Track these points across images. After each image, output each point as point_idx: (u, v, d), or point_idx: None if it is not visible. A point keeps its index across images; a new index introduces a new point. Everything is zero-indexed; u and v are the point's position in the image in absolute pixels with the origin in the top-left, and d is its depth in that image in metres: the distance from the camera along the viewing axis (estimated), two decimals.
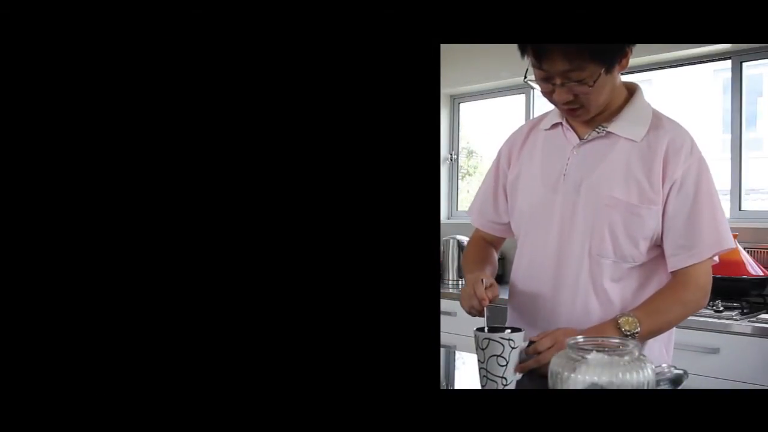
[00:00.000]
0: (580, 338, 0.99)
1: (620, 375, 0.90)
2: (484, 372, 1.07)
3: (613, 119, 1.21)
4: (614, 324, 1.12)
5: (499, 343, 1.05)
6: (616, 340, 1.00)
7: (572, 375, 0.92)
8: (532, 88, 1.24)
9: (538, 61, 1.11)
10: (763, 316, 2.12)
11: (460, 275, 3.18)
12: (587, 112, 1.17)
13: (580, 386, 0.91)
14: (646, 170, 1.17)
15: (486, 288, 1.17)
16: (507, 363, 1.05)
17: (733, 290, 2.23)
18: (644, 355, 0.95)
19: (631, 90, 1.24)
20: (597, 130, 1.22)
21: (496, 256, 1.43)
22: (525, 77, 1.19)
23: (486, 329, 1.09)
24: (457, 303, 2.76)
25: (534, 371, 1.11)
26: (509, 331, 1.08)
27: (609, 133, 1.21)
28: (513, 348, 1.05)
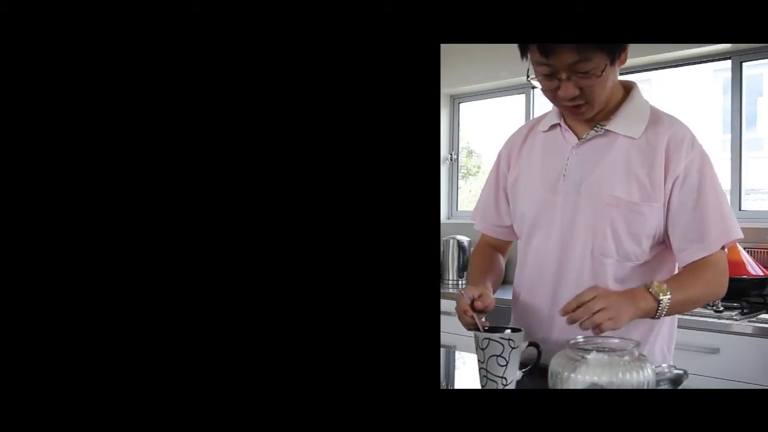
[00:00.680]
0: (580, 338, 1.00)
1: (620, 375, 0.90)
2: (484, 372, 1.07)
3: (611, 117, 1.21)
4: (646, 290, 1.09)
5: (499, 343, 1.05)
6: (617, 341, 1.00)
7: (572, 375, 0.92)
8: (533, 88, 1.24)
9: (545, 56, 1.10)
10: (763, 316, 2.12)
11: (460, 275, 3.18)
12: (591, 108, 1.17)
13: (580, 386, 0.91)
14: (647, 167, 1.17)
15: (476, 299, 1.17)
16: (507, 363, 1.05)
17: (733, 290, 2.21)
18: (644, 355, 0.95)
19: (628, 88, 1.24)
20: (595, 129, 1.22)
21: (502, 261, 1.43)
22: (528, 76, 1.19)
23: (486, 329, 1.09)
24: None
25: (534, 371, 1.11)
26: (509, 331, 1.08)
27: (607, 131, 1.21)
28: (513, 348, 1.05)
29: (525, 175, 1.30)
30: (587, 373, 0.91)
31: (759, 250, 2.45)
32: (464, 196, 3.78)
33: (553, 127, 1.28)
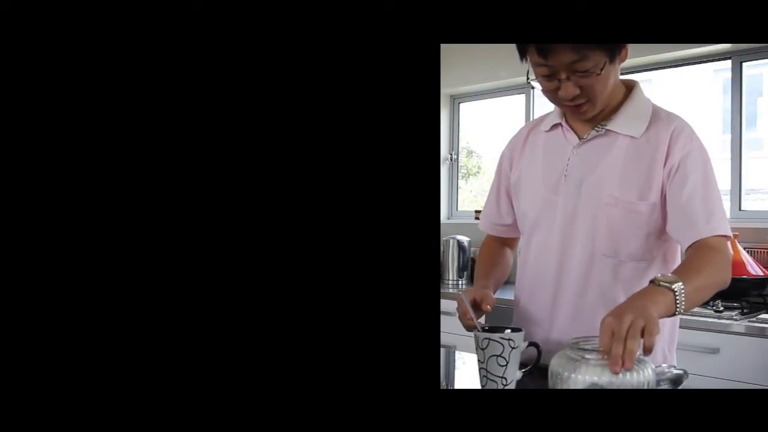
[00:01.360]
0: (580, 338, 0.99)
1: (620, 375, 0.90)
2: (484, 372, 1.07)
3: (612, 117, 1.21)
4: (656, 286, 1.01)
5: (499, 343, 1.05)
6: None
7: (572, 375, 0.92)
8: (532, 88, 1.25)
9: (543, 57, 1.10)
10: (763, 316, 2.12)
11: (460, 275, 3.18)
12: (593, 106, 1.16)
13: (580, 386, 0.91)
14: (647, 166, 1.17)
15: (478, 301, 1.18)
16: (507, 363, 1.05)
17: (733, 290, 2.21)
18: (644, 355, 0.95)
19: (630, 87, 1.24)
20: (596, 128, 1.22)
21: (509, 254, 1.44)
22: (528, 78, 1.19)
23: (486, 329, 1.09)
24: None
25: (534, 371, 1.11)
26: (509, 331, 1.08)
27: (608, 131, 1.21)
28: (513, 348, 1.05)
29: (527, 175, 1.31)
30: (587, 373, 0.91)
31: (759, 250, 2.45)
32: (464, 196, 3.78)
33: (554, 127, 1.29)
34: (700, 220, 1.13)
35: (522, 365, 1.09)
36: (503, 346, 1.05)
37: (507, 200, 1.38)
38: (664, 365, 1.07)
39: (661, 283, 1.01)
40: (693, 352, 2.03)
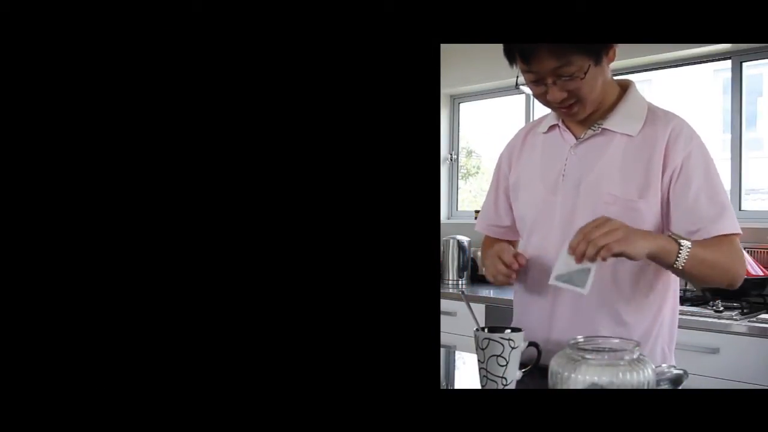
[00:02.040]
0: (580, 338, 1.00)
1: (620, 375, 0.90)
2: (484, 372, 1.07)
3: (607, 116, 1.22)
4: (666, 234, 1.10)
5: (499, 343, 1.05)
6: (617, 341, 1.00)
7: (572, 375, 0.92)
8: (525, 93, 1.26)
9: (527, 64, 1.13)
10: (763, 316, 2.12)
11: (460, 275, 3.18)
12: (583, 108, 1.18)
13: (580, 386, 0.91)
14: (644, 164, 1.17)
15: (514, 255, 1.19)
16: (507, 363, 1.05)
17: (733, 290, 2.22)
18: (644, 356, 0.95)
19: (624, 87, 1.25)
20: (592, 128, 1.23)
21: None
22: (516, 84, 1.21)
23: (486, 329, 1.09)
24: (457, 303, 2.77)
25: (534, 371, 1.11)
26: (509, 331, 1.08)
27: (604, 129, 1.22)
28: (513, 348, 1.05)
29: (525, 177, 1.31)
30: (587, 373, 0.91)
31: (759, 250, 2.45)
32: (464, 196, 3.78)
33: (552, 128, 1.30)
34: (708, 221, 1.14)
35: (522, 365, 1.09)
36: (503, 346, 1.05)
37: (505, 202, 1.38)
38: (664, 365, 1.07)
39: (671, 234, 1.08)
40: (693, 352, 2.03)
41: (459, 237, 3.20)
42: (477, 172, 3.88)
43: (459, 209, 3.69)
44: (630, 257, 1.05)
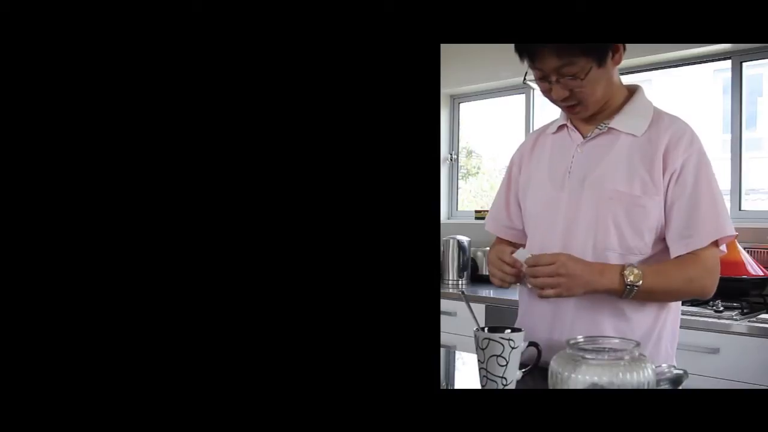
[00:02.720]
0: (580, 338, 1.00)
1: (620, 375, 0.90)
2: (484, 372, 1.07)
3: (614, 116, 1.25)
4: (619, 270, 1.15)
5: (499, 343, 1.05)
6: (617, 341, 1.01)
7: (572, 375, 0.92)
8: (532, 89, 1.29)
9: (532, 61, 1.17)
10: (763, 316, 2.12)
11: (460, 275, 3.18)
12: (585, 108, 1.22)
13: (580, 386, 0.91)
14: (648, 163, 1.19)
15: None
16: (507, 363, 1.05)
17: (733, 290, 2.22)
18: (644, 355, 0.95)
19: (632, 90, 1.28)
20: (599, 127, 1.26)
21: None
22: (524, 79, 1.24)
23: (486, 329, 1.09)
24: (457, 303, 2.77)
25: (534, 371, 1.11)
26: (509, 331, 1.08)
27: (611, 129, 1.25)
28: (513, 348, 1.05)
29: (535, 177, 1.34)
30: (587, 373, 0.91)
31: (759, 250, 2.45)
32: (464, 196, 3.78)
33: (560, 128, 1.33)
34: (701, 228, 1.16)
35: (522, 365, 1.09)
36: (503, 346, 1.05)
37: (517, 205, 1.41)
38: (664, 365, 1.07)
39: (623, 272, 1.14)
40: (693, 352, 2.03)
41: (459, 237, 3.20)
42: (477, 173, 3.87)
43: (459, 209, 3.69)
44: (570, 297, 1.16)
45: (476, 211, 3.49)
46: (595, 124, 1.26)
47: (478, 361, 1.08)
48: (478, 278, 3.23)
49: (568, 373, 0.92)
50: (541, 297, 1.14)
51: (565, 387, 0.92)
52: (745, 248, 2.38)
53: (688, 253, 1.17)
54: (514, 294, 1.39)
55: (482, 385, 1.08)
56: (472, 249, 3.20)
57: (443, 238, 3.20)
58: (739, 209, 2.67)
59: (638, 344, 0.96)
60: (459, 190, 3.74)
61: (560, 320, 1.23)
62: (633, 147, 1.21)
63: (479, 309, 2.62)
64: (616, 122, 1.24)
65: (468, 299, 1.22)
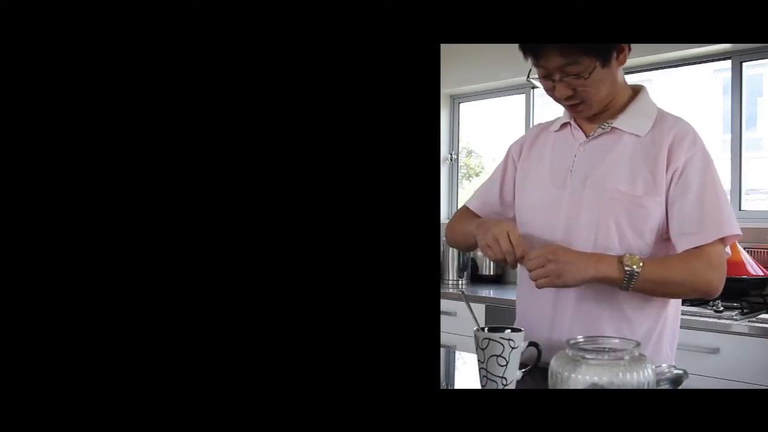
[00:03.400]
0: (580, 338, 1.00)
1: (620, 375, 0.90)
2: (484, 372, 1.07)
3: (617, 116, 1.25)
4: (618, 258, 1.13)
5: (499, 343, 1.05)
6: (617, 341, 1.01)
7: (572, 375, 0.92)
8: (535, 87, 1.29)
9: (536, 59, 1.17)
10: (763, 316, 2.12)
11: (460, 275, 3.18)
12: (589, 107, 1.22)
13: (580, 386, 0.91)
14: (651, 163, 1.19)
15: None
16: (507, 363, 1.05)
17: (733, 290, 2.22)
18: (644, 355, 0.95)
19: (637, 90, 1.28)
20: (602, 126, 1.26)
21: None
22: (528, 77, 1.24)
23: (486, 329, 1.09)
24: (457, 303, 2.77)
25: (534, 371, 1.11)
26: (509, 331, 1.08)
27: (614, 128, 1.24)
28: (513, 348, 1.05)
29: (535, 172, 1.33)
30: (587, 373, 0.91)
31: (759, 250, 2.45)
32: (464, 196, 3.78)
33: (563, 126, 1.33)
34: (704, 226, 1.15)
35: (522, 365, 1.09)
36: (503, 346, 1.05)
37: (511, 196, 1.39)
38: (664, 365, 1.07)
39: (622, 259, 1.11)
40: (693, 352, 2.03)
41: None
42: (478, 173, 3.87)
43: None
44: (567, 287, 1.14)
45: None
46: (599, 123, 1.26)
47: (478, 361, 1.08)
48: (478, 278, 3.23)
49: (568, 373, 0.92)
50: (538, 288, 1.13)
51: (565, 387, 0.92)
52: (745, 248, 2.38)
53: (690, 249, 1.15)
54: (514, 294, 1.39)
55: (482, 385, 1.08)
56: None
57: (443, 238, 3.20)
58: (739, 209, 2.67)
59: (638, 344, 0.96)
60: (459, 190, 3.74)
61: (560, 320, 1.23)
62: (636, 147, 1.21)
63: (479, 309, 2.62)
64: (619, 122, 1.24)
65: (468, 299, 1.22)
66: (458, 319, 2.64)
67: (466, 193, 3.78)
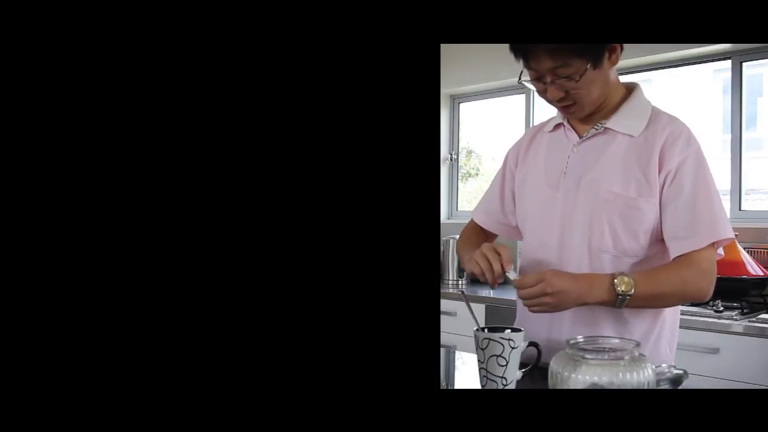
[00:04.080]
0: (580, 338, 1.00)
1: (620, 375, 0.90)
2: (484, 372, 1.07)
3: (611, 116, 1.24)
4: (609, 280, 1.11)
5: (499, 343, 1.05)
6: (617, 341, 1.01)
7: (572, 375, 0.92)
8: (529, 89, 1.29)
9: (526, 61, 1.16)
10: (763, 316, 2.12)
11: (460, 275, 3.18)
12: (581, 108, 1.21)
13: (580, 386, 0.91)
14: (644, 164, 1.18)
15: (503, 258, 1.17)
16: (507, 363, 1.05)
17: (733, 290, 2.22)
18: (644, 355, 0.95)
19: (630, 89, 1.27)
20: (595, 127, 1.25)
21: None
22: (519, 79, 1.23)
23: (486, 329, 1.09)
24: (457, 303, 2.77)
25: (534, 371, 1.11)
26: (509, 331, 1.08)
27: (607, 129, 1.23)
28: (513, 348, 1.05)
29: (531, 175, 1.33)
30: (587, 373, 0.91)
31: (759, 250, 2.45)
32: (464, 197, 3.78)
33: (557, 127, 1.32)
34: (697, 230, 1.15)
35: (522, 365, 1.09)
36: (503, 346, 1.05)
37: (512, 202, 1.40)
38: (664, 365, 1.07)
39: (614, 281, 1.11)
40: (693, 352, 2.03)
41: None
42: (477, 174, 3.87)
43: (459, 209, 3.69)
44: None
45: None
46: (592, 123, 1.25)
47: (478, 361, 1.08)
48: (477, 278, 3.23)
49: (568, 373, 0.92)
50: (532, 313, 1.13)
51: (565, 387, 0.92)
52: (745, 248, 2.37)
53: (682, 256, 1.15)
54: (514, 294, 1.39)
55: (482, 385, 1.08)
56: None
57: (443, 238, 3.20)
58: (739, 209, 2.67)
59: (638, 344, 0.96)
60: (459, 191, 3.74)
61: (559, 321, 1.23)
62: (629, 147, 1.20)
63: (479, 309, 2.62)
64: (612, 122, 1.23)
65: (468, 299, 1.22)
66: (458, 319, 2.64)
67: (463, 193, 3.78)
